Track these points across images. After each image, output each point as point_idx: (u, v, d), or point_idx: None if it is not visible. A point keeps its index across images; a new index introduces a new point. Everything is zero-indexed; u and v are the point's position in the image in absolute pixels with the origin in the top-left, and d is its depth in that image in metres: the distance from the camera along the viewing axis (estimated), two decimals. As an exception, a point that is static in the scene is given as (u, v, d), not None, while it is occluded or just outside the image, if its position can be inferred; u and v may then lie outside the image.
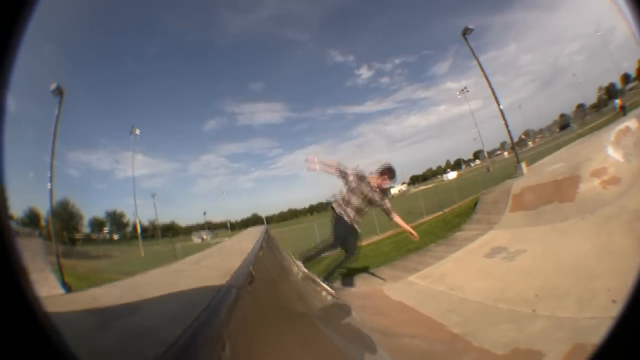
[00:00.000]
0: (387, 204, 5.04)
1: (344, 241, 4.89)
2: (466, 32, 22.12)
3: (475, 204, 10.88)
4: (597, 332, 2.74)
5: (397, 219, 5.06)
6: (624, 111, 21.61)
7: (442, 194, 20.90)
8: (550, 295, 4.04)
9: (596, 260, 4.46)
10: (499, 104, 19.45)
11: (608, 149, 8.61)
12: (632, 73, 50.90)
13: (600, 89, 63.51)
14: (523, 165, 14.52)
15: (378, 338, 3.72)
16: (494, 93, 19.74)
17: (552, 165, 10.05)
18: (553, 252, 5.36)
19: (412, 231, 5.20)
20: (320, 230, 15.57)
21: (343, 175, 5.00)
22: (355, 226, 4.91)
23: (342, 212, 4.79)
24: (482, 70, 21.00)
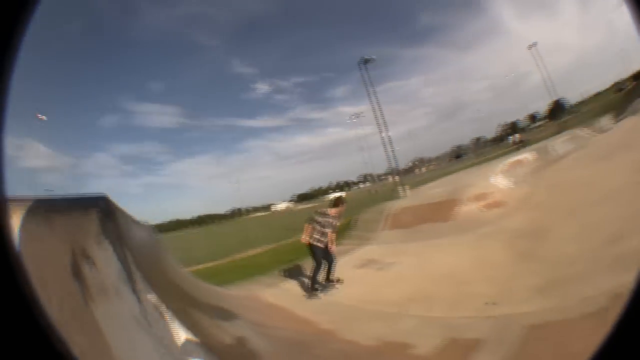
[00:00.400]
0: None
1: (324, 258, 6.16)
2: (366, 61, 23.06)
3: (349, 221, 11.15)
4: (470, 329, 3.40)
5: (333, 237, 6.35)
6: (521, 146, 23.93)
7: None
8: (423, 299, 4.47)
9: (470, 270, 4.99)
10: (381, 132, 21.17)
11: (493, 177, 9.74)
12: (541, 113, 56.09)
13: (501, 125, 68.97)
14: (406, 188, 15.87)
15: (256, 331, 4.08)
16: (378, 121, 21.32)
17: (434, 189, 11.08)
18: (426, 263, 5.95)
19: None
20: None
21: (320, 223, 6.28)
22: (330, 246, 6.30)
23: (320, 244, 6.08)
24: (371, 99, 22.11)
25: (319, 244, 6.08)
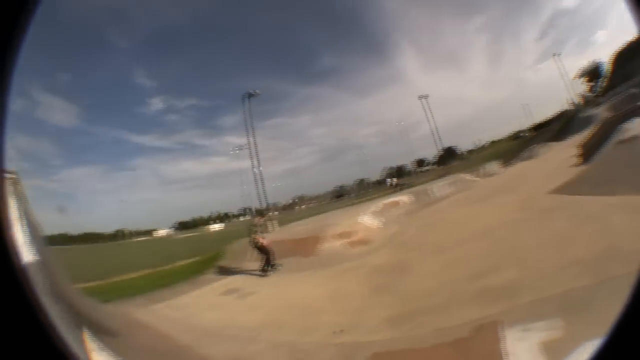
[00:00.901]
0: None
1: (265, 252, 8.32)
2: (249, 95, 22.91)
3: (218, 253, 11.22)
4: (315, 354, 3.72)
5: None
6: (398, 188, 25.42)
7: (204, 242, 20.96)
8: (275, 325, 4.81)
9: (324, 301, 5.34)
10: (253, 167, 20.42)
11: (363, 217, 10.39)
12: (430, 159, 61.06)
13: (386, 168, 74.81)
14: (274, 224, 16.68)
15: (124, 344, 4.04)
16: (252, 156, 21.82)
17: (301, 226, 11.53)
18: (282, 294, 6.38)
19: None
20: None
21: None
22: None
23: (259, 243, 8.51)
24: (248, 133, 21.51)
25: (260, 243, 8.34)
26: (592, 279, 3.54)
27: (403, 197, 15.76)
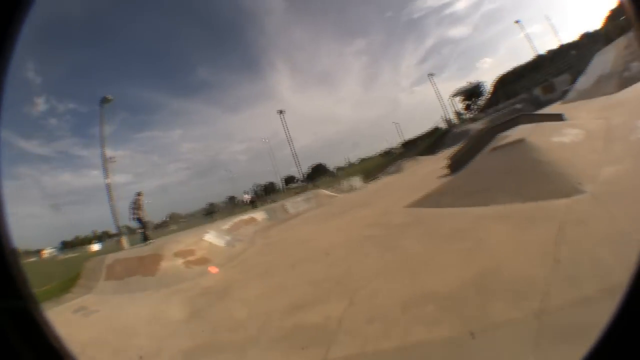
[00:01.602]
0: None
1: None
2: (104, 101, 22.13)
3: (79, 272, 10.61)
4: None
5: None
6: (253, 205, 26.86)
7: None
8: (96, 344, 4.96)
9: (145, 324, 5.58)
10: (105, 179, 20.37)
11: (208, 235, 10.75)
12: (299, 176, 58.73)
13: (256, 185, 72.67)
14: (124, 240, 17.34)
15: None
16: (104, 168, 20.83)
17: (152, 244, 11.54)
18: (116, 314, 6.51)
19: None
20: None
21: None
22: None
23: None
24: (101, 142, 21.61)
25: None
26: (451, 326, 2.69)
27: (258, 215, 16.04)
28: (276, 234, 11.68)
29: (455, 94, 52.16)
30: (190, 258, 8.91)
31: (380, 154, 57.99)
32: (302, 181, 56.49)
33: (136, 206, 12.66)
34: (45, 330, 0.88)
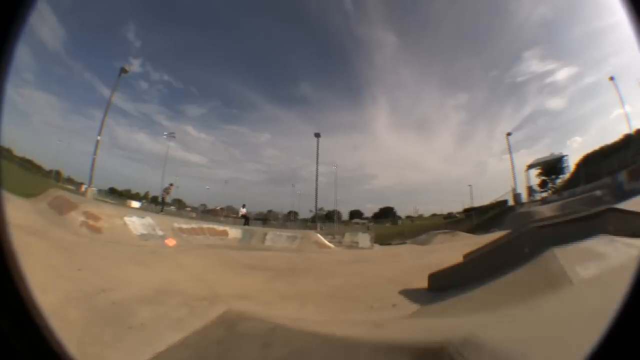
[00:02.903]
0: None
1: None
2: (122, 71, 23.98)
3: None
4: None
5: None
6: (245, 221, 24.22)
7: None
8: None
9: None
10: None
11: (131, 217, 11.20)
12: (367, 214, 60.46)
13: (319, 209, 67.98)
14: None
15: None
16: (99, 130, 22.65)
17: None
18: None
19: None
20: None
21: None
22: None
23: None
24: (107, 109, 23.27)
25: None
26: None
27: (234, 232, 15.82)
28: (211, 255, 10.41)
29: (533, 165, 43.87)
30: (91, 222, 9.39)
31: (443, 215, 54.19)
32: (367, 219, 55.53)
33: (166, 191, 21.54)
34: (43, 331, 0.88)
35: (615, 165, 26.61)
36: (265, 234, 16.26)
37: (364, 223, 46.16)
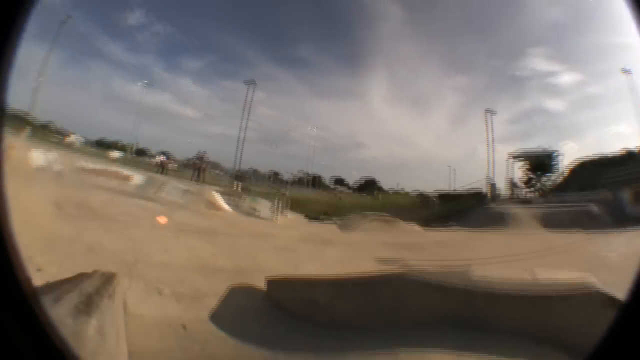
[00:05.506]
0: None
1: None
2: (65, 20, 25.67)
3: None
4: None
5: None
6: (163, 169, 23.80)
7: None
8: None
9: None
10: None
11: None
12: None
13: (303, 171, 64.30)
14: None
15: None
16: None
17: None
18: None
19: None
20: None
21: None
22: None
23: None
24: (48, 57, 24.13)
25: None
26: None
27: (142, 177, 16.11)
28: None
29: (518, 156, 38.13)
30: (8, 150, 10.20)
31: (417, 195, 47.36)
32: (350, 188, 54.26)
33: (199, 159, 20.86)
34: (47, 328, 0.87)
35: (618, 180, 23.00)
36: (163, 184, 15.61)
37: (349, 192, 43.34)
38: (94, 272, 2.63)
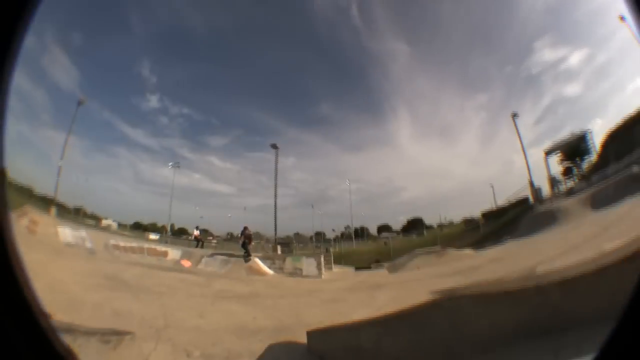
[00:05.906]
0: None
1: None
2: (80, 102, 24.86)
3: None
4: None
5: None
6: (198, 243, 23.01)
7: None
8: None
9: None
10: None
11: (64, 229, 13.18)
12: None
13: (345, 226, 64.72)
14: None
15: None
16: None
17: None
18: None
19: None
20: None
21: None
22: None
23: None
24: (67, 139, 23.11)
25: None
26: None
27: (175, 253, 15.71)
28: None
29: (551, 150, 36.26)
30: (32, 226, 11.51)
31: (464, 222, 45.34)
32: (397, 232, 53.18)
33: (245, 235, 16.98)
34: (48, 332, 0.85)
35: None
36: (202, 257, 15.34)
37: (394, 236, 43.15)
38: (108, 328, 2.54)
